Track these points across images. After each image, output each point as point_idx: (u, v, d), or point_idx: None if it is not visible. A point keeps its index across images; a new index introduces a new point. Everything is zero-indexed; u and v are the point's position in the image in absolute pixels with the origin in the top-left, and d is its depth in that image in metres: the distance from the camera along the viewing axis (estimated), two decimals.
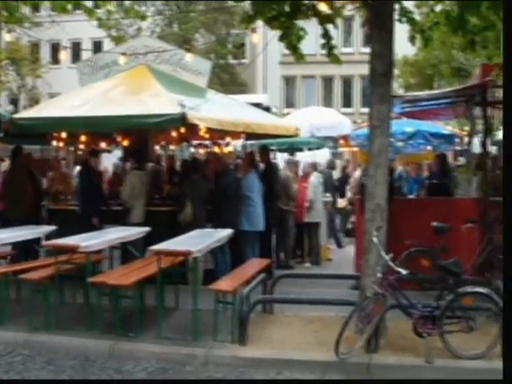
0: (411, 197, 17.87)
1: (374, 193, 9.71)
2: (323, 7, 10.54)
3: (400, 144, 17.67)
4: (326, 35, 10.95)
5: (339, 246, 19.51)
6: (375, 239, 9.38)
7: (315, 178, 17.02)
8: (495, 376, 8.41)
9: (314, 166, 17.53)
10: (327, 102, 51.45)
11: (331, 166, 22.06)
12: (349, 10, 11.40)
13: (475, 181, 13.79)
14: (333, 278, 13.29)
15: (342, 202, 21.14)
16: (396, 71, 35.06)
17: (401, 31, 11.46)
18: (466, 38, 10.80)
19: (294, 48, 11.06)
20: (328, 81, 53.35)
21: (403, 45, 11.60)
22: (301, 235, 17.07)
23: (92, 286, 10.49)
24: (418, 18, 12.66)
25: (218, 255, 12.82)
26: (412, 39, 11.23)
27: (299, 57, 11.18)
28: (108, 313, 10.53)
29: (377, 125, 9.73)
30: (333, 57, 11.09)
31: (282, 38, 10.96)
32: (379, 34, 9.77)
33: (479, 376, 8.65)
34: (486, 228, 12.03)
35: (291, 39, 10.96)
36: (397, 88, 36.14)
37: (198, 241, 10.87)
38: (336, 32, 12.12)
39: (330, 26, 10.93)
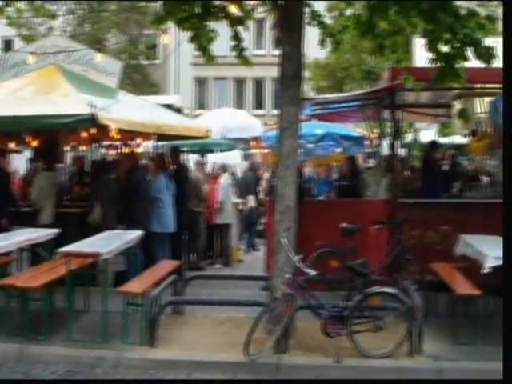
0: (321, 198, 18.02)
1: (283, 194, 9.76)
2: (234, 9, 10.66)
3: (310, 146, 17.84)
4: (237, 37, 11.04)
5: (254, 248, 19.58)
6: (284, 240, 9.43)
7: (225, 180, 17.05)
8: (402, 374, 8.61)
9: (223, 168, 17.54)
10: (239, 103, 51.65)
11: (254, 168, 22.12)
12: (260, 12, 11.47)
13: (384, 182, 13.97)
14: (243, 279, 13.35)
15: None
16: (307, 74, 35.26)
17: (312, 34, 11.55)
18: (375, 42, 10.90)
19: (204, 49, 11.10)
20: (240, 82, 53.50)
21: (315, 48, 11.70)
22: (212, 236, 17.06)
23: (0, 288, 10.27)
24: (328, 21, 12.83)
25: (130, 257, 12.70)
26: (322, 42, 11.36)
27: (209, 58, 11.25)
28: (16, 316, 10.27)
29: (286, 126, 9.80)
30: (243, 59, 11.18)
31: (192, 39, 10.99)
32: (289, 36, 9.84)
33: (386, 375, 8.77)
34: (394, 229, 12.20)
35: (202, 41, 10.97)
36: (308, 90, 36.44)
37: (107, 242, 10.77)
38: (248, 34, 12.21)
39: (240, 28, 11.03)
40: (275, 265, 9.81)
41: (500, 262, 9.55)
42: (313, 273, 9.01)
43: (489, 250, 9.93)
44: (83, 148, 21.32)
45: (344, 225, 11.90)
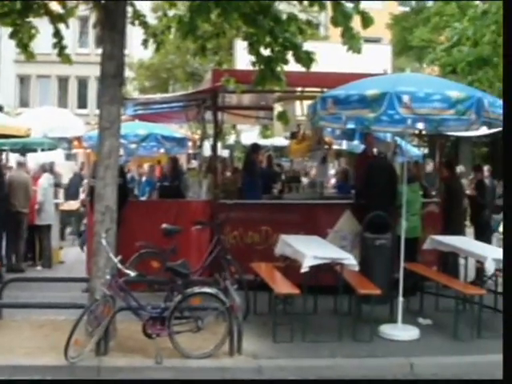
0: (143, 199, 17.94)
1: (103, 194, 9.64)
2: (55, 6, 10.45)
3: (133, 146, 17.69)
4: (58, 34, 10.84)
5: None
6: (104, 241, 9.33)
7: (45, 180, 16.66)
8: (222, 374, 8.69)
9: (43, 168, 17.15)
10: (63, 102, 50.87)
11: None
12: (83, 10, 11.18)
13: (205, 183, 14.06)
14: (65, 281, 13.06)
15: (74, 204, 20.89)
16: (132, 74, 35.37)
17: (137, 34, 11.52)
18: (197, 44, 11.03)
19: (24, 46, 10.82)
20: (64, 81, 52.70)
21: (140, 48, 11.63)
22: (32, 238, 16.63)
23: None
24: (153, 21, 12.79)
25: None
26: (145, 42, 11.35)
27: (30, 55, 10.98)
28: None
29: (107, 126, 9.67)
30: (64, 56, 10.99)
31: (12, 36, 10.71)
32: (110, 35, 9.74)
33: (207, 375, 8.83)
34: (214, 229, 12.28)
35: (23, 37, 10.71)
36: (132, 90, 36.34)
37: None
38: (71, 32, 12.05)
39: (62, 26, 10.83)
40: (95, 266, 9.68)
41: (317, 262, 9.84)
42: (133, 274, 8.99)
43: (307, 250, 10.19)
44: None
45: (164, 225, 11.87)
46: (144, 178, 21.63)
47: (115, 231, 9.78)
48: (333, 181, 18.73)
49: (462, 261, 13.43)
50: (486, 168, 18.63)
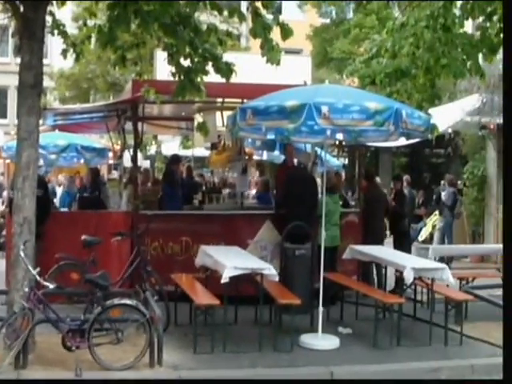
0: (63, 210, 17.71)
1: (21, 206, 9.51)
2: None
3: (53, 157, 17.52)
4: None
5: None
6: (22, 253, 9.19)
7: None
8: None
9: None
10: None
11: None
12: (2, 18, 11.09)
13: (126, 194, 14.00)
14: None
15: None
16: (52, 83, 35.01)
17: (58, 43, 11.39)
18: (117, 54, 10.98)
19: None
20: None
21: (61, 57, 11.48)
22: None
23: None
24: (74, 31, 12.67)
25: None
26: (64, 52, 11.20)
27: None
28: None
29: (25, 137, 9.56)
30: None
31: None
32: (29, 44, 9.63)
33: None
34: (135, 240, 12.18)
35: None
36: (52, 100, 35.89)
37: None
38: None
39: None
40: (13, 278, 9.56)
41: (238, 272, 9.87)
42: (51, 286, 8.91)
43: (227, 260, 10.24)
44: None
45: (84, 237, 11.76)
46: (62, 189, 21.31)
47: (33, 243, 9.64)
48: (253, 191, 18.78)
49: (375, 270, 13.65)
50: (405, 178, 18.92)
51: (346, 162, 26.69)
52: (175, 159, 15.78)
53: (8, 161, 23.75)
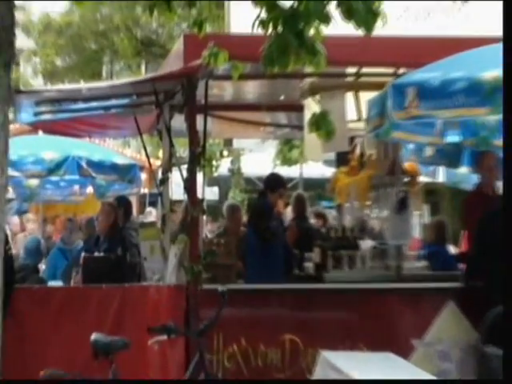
0: (54, 283, 12.08)
1: None
2: None
3: (33, 183, 13.05)
4: None
5: None
6: None
7: None
8: None
9: None
10: None
11: None
12: None
13: (174, 252, 9.71)
14: None
15: None
16: (31, 43, 33.84)
17: None
18: None
19: None
20: None
21: None
22: None
23: None
24: None
25: None
26: None
27: None
28: None
29: None
30: None
31: None
32: None
33: None
34: (194, 341, 8.72)
35: None
36: (31, 76, 31.84)
37: None
38: None
39: None
40: None
41: None
42: None
43: None
44: None
45: (95, 336, 7.99)
46: (52, 243, 13.94)
47: None
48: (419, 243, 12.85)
49: None
50: None
51: None
52: (273, 183, 10.40)
53: None
